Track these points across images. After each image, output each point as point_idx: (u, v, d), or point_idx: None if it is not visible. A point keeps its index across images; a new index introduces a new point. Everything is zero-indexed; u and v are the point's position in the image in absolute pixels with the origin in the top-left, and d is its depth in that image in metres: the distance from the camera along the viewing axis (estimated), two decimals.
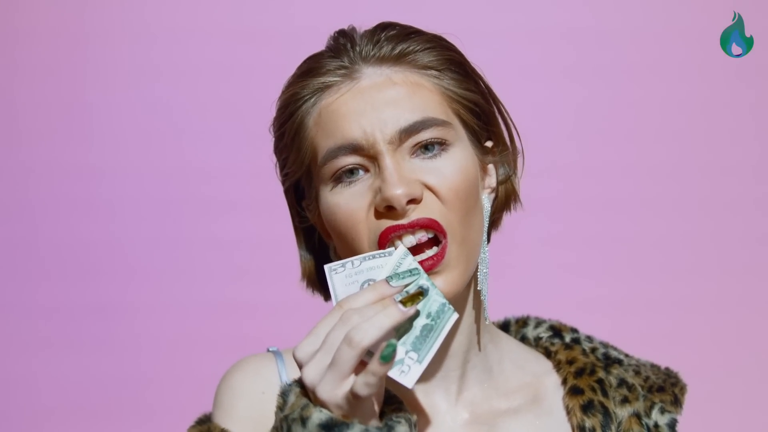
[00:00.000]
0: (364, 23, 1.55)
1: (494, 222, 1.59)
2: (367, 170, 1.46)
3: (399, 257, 1.41)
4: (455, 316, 1.37)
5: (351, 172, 1.46)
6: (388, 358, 1.29)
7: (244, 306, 2.69)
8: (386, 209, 1.44)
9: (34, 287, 2.72)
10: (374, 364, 1.30)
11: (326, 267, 1.41)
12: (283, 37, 2.65)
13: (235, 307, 2.69)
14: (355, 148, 1.45)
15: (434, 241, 1.46)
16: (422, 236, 1.45)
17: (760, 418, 2.70)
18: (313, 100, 1.49)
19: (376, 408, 1.36)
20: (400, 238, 1.44)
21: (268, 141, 1.58)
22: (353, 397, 1.31)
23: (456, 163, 1.47)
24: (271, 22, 2.69)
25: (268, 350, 1.58)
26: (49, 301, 2.71)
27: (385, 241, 1.44)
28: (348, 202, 1.46)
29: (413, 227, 1.44)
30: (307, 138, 1.50)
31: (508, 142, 1.58)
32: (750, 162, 2.70)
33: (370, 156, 1.45)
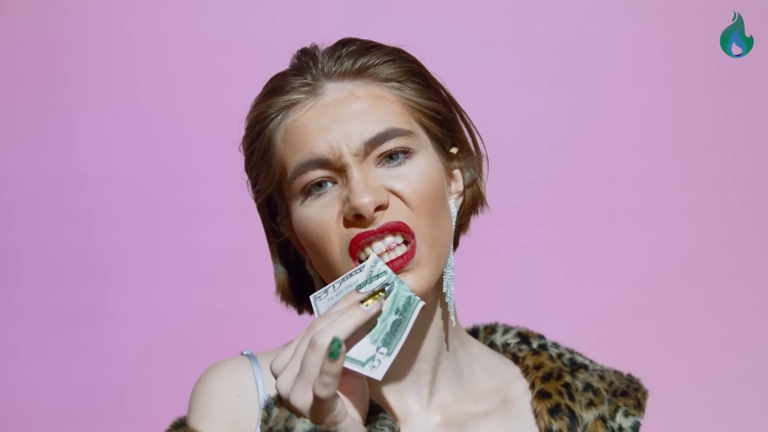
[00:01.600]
0: (338, 35, 1.59)
1: (462, 225, 1.62)
2: (335, 182, 1.50)
3: (370, 267, 1.45)
4: (421, 303, 1.42)
5: (319, 185, 1.50)
6: (336, 355, 1.33)
7: (218, 312, 2.69)
8: (355, 218, 1.48)
9: (8, 293, 2.71)
10: (325, 363, 1.34)
11: (311, 297, 1.46)
12: (260, 47, 2.66)
13: (210, 313, 2.69)
14: (322, 163, 1.49)
15: (406, 244, 1.49)
16: (391, 242, 1.48)
17: (745, 422, 2.71)
18: (279, 117, 1.53)
19: (360, 416, 1.40)
20: (369, 244, 1.48)
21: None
22: (314, 400, 1.35)
23: (420, 169, 1.51)
24: (249, 32, 2.70)
25: (242, 354, 1.60)
26: (23, 306, 2.71)
27: (355, 248, 1.48)
28: (318, 213, 1.50)
29: (382, 232, 1.47)
30: (275, 155, 1.54)
31: (473, 148, 1.61)
32: (734, 170, 2.71)
33: (337, 169, 1.49)
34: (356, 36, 1.60)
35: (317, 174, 1.50)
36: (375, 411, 1.43)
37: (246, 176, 1.61)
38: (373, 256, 1.46)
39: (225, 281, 2.69)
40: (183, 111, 2.70)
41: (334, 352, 1.33)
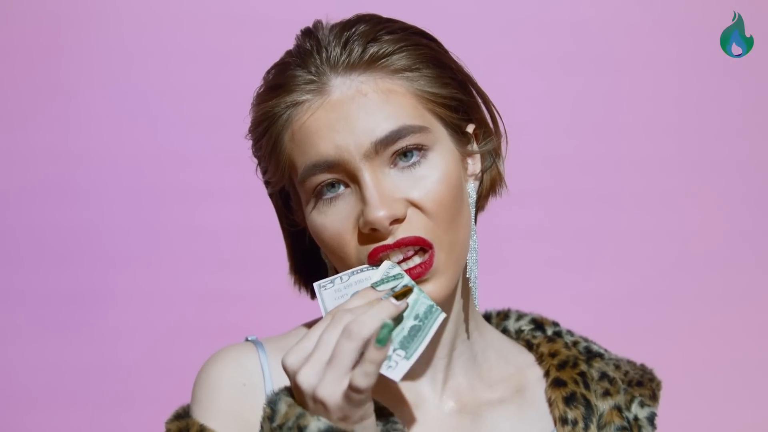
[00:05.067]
0: (349, 9, 1.53)
1: (480, 207, 1.57)
2: (347, 185, 1.44)
3: (386, 269, 1.42)
4: (443, 315, 1.39)
5: (331, 185, 1.44)
6: (384, 342, 1.30)
7: (224, 295, 2.68)
8: (370, 230, 1.43)
9: (11, 274, 2.70)
10: (370, 351, 1.31)
11: (315, 285, 1.43)
12: (260, 25, 2.64)
13: (216, 296, 2.69)
14: (330, 165, 1.43)
15: (423, 252, 1.45)
16: (409, 251, 1.44)
17: (740, 413, 2.71)
18: (285, 116, 1.46)
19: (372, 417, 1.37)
20: (388, 256, 1.43)
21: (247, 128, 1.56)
22: (353, 390, 1.31)
23: (437, 171, 1.45)
24: (247, 10, 2.68)
25: (247, 339, 1.55)
26: (27, 288, 2.70)
27: (374, 260, 1.44)
28: (333, 224, 1.45)
29: (399, 246, 1.43)
30: (284, 153, 1.47)
31: (492, 126, 1.56)
32: (738, 159, 2.70)
33: (347, 171, 1.44)
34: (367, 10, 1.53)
35: (326, 176, 1.44)
36: (381, 413, 1.41)
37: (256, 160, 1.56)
38: (388, 261, 1.43)
39: (231, 263, 2.68)
40: (181, 90, 2.68)
41: (383, 338, 1.30)
